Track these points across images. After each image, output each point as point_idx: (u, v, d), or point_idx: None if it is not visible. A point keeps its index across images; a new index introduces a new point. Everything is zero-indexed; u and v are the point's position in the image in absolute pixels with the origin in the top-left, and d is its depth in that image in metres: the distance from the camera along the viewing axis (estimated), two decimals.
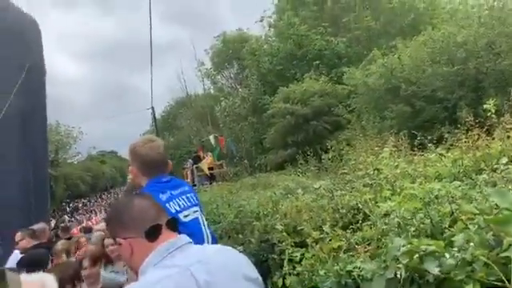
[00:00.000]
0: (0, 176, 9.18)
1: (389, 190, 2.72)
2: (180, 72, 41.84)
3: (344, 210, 2.22)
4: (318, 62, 18.30)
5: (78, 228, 18.03)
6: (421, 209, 1.67)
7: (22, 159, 9.27)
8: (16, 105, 8.84)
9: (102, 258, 2.92)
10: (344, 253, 1.67)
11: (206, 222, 2.13)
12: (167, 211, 1.93)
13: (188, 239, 1.32)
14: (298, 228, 2.17)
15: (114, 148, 68.53)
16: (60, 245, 3.86)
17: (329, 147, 8.32)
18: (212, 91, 33.19)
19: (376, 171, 4.08)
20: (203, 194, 10.32)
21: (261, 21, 26.29)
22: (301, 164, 7.46)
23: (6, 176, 9.10)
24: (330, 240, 1.79)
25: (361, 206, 2.13)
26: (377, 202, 2.14)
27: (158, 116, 31.51)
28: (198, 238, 1.96)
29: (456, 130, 5.50)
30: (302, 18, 20.81)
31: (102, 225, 7.22)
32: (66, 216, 34.86)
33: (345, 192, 3.59)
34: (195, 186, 16.88)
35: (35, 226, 5.17)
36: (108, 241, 2.96)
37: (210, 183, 16.33)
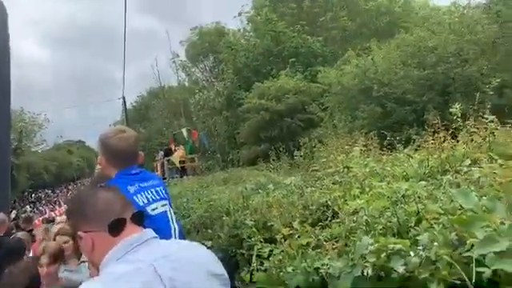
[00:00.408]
0: None
1: (358, 188, 2.77)
2: (154, 63, 41.04)
3: (314, 207, 2.23)
4: (293, 59, 18.39)
5: (41, 219, 17.39)
6: (388, 208, 1.70)
7: None
8: None
9: (62, 256, 2.78)
10: (312, 249, 1.68)
11: (174, 216, 2.09)
12: (135, 204, 1.88)
13: (153, 234, 1.27)
14: (268, 224, 2.16)
15: (82, 138, 66.45)
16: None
17: (301, 144, 8.40)
18: (186, 84, 32.75)
19: (346, 169, 4.16)
20: (173, 188, 10.19)
21: (239, 15, 26.16)
22: (273, 160, 7.49)
23: None
24: (299, 237, 1.79)
25: (330, 204, 2.14)
26: (346, 200, 2.17)
27: (129, 106, 30.86)
28: (165, 232, 1.91)
29: (423, 132, 5.66)
30: (280, 15, 20.85)
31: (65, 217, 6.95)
32: (27, 206, 33.55)
33: (315, 189, 3.63)
34: (165, 179, 16.64)
35: None
36: (61, 238, 2.85)
37: (181, 176, 16.16)
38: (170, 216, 2.07)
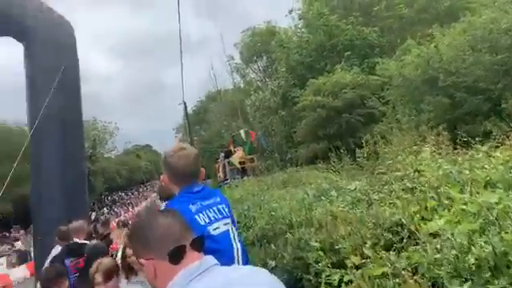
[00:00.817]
0: (41, 173, 9.53)
1: (433, 197, 2.52)
2: (210, 67, 42.18)
3: (385, 225, 2.04)
4: (349, 52, 17.75)
5: (116, 221, 18.70)
6: (478, 232, 1.47)
7: (61, 156, 9.58)
8: (54, 104, 9.13)
9: (117, 271, 2.82)
10: (388, 279, 1.51)
11: (236, 235, 2.03)
12: (196, 224, 1.85)
13: (214, 261, 1.23)
14: (336, 246, 2.02)
15: (148, 142, 70.42)
16: None
17: (363, 141, 8.01)
18: (242, 85, 33.17)
19: (416, 173, 3.84)
20: (235, 190, 10.32)
21: (290, 13, 25.86)
22: (333, 161, 7.24)
23: (47, 173, 9.44)
24: (372, 264, 1.63)
25: (405, 222, 1.94)
26: (423, 218, 1.95)
27: (190, 111, 31.96)
28: (227, 253, 1.87)
29: (502, 124, 5.09)
30: (331, 8, 20.25)
31: None
32: (105, 209, 36.35)
33: (383, 195, 3.39)
34: (227, 179, 17.01)
35: (72, 225, 5.31)
36: (130, 251, 2.87)
37: (242, 177, 16.38)
38: (232, 235, 2.01)
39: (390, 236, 1.89)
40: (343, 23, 18.69)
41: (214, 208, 2.03)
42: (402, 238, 1.85)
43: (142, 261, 1.23)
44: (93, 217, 24.13)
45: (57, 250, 5.01)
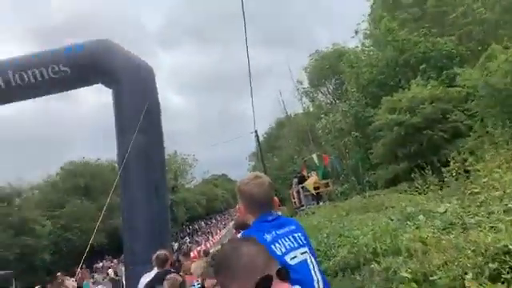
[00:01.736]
0: (129, 206, 10.26)
1: None
2: (279, 94, 42.92)
3: (488, 253, 1.77)
4: (423, 65, 16.77)
5: (197, 251, 19.36)
6: None
7: (147, 188, 10.23)
8: (139, 141, 9.86)
9: None
10: None
11: (316, 265, 1.92)
12: (272, 253, 1.80)
13: None
14: (431, 278, 1.80)
15: (224, 171, 72.94)
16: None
17: (448, 159, 7.33)
18: (311, 109, 33.10)
19: None
20: (311, 217, 10.09)
21: (356, 33, 25.53)
22: (417, 182, 6.67)
23: (134, 205, 10.13)
24: None
25: None
26: None
27: (261, 138, 32.59)
28: (307, 284, 1.77)
29: None
30: (400, 22, 19.51)
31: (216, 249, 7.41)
32: (187, 237, 37.96)
33: (480, 218, 3.01)
34: (303, 206, 16.74)
35: (155, 255, 5.59)
36: (209, 282, 2.89)
37: (317, 203, 15.99)
38: (311, 265, 1.92)
39: (497, 265, 1.63)
40: (415, 36, 17.82)
41: (290, 237, 1.97)
42: (511, 268, 1.58)
43: None
44: (175, 247, 25.31)
45: (145, 278, 5.31)
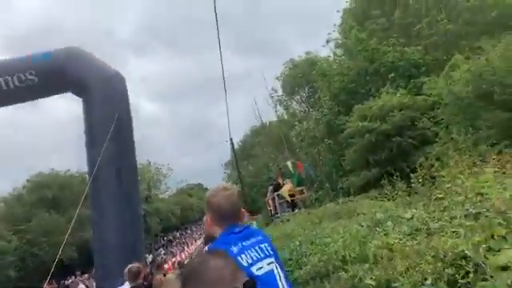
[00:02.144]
0: (100, 217, 9.98)
1: (500, 224, 2.27)
2: (254, 102, 43.10)
3: (448, 258, 1.85)
4: (392, 74, 17.33)
5: (172, 262, 18.99)
6: None
7: (118, 199, 10.02)
8: (110, 151, 9.66)
9: None
10: None
11: (282, 275, 1.95)
12: (239, 265, 1.81)
13: None
14: (393, 284, 1.86)
15: (200, 180, 72.22)
16: None
17: (417, 166, 7.58)
18: (285, 117, 33.44)
19: (478, 196, 3.53)
20: (286, 224, 10.13)
21: (327, 43, 26.12)
22: (386, 189, 6.87)
23: (105, 217, 9.86)
24: None
25: (469, 254, 1.75)
26: (490, 248, 1.75)
27: (236, 146, 32.56)
28: None
29: None
30: (369, 32, 20.13)
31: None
32: (161, 249, 37.14)
33: (443, 223, 3.13)
34: (278, 213, 16.78)
35: (127, 268, 5.45)
36: None
37: (293, 210, 16.08)
38: (277, 275, 1.95)
39: (454, 271, 1.70)
40: (383, 46, 18.43)
41: (256, 247, 1.99)
42: (468, 273, 1.65)
43: None
44: (149, 259, 24.71)
45: None
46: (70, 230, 9.19)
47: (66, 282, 21.51)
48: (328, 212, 8.84)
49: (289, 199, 16.86)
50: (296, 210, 15.58)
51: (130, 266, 5.31)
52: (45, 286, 13.71)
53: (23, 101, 11.72)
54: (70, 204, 25.20)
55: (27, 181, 29.79)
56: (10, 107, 11.72)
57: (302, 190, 17.72)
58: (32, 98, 11.58)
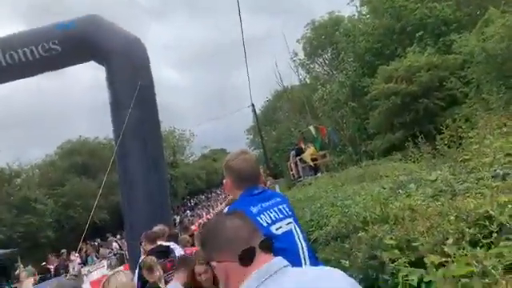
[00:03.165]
0: (127, 182, 10.35)
1: None
2: (275, 65, 42.36)
3: (471, 218, 1.82)
4: (420, 32, 16.51)
5: (198, 223, 19.70)
6: None
7: (144, 164, 10.28)
8: (134, 119, 9.82)
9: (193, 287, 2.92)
10: (474, 279, 1.33)
11: (301, 234, 2.00)
12: (258, 225, 1.87)
13: (284, 262, 1.23)
14: (413, 244, 1.86)
15: (222, 146, 73.14)
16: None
17: (444, 127, 7.35)
18: (308, 81, 32.80)
19: (508, 157, 3.41)
20: (308, 188, 10.21)
21: (352, 0, 24.90)
22: (411, 151, 6.73)
23: (132, 182, 10.20)
24: (455, 263, 1.46)
25: (494, 214, 1.71)
26: None
27: (258, 111, 32.46)
28: (292, 252, 1.86)
29: None
30: None
31: None
32: (188, 211, 38.55)
33: (469, 185, 3.06)
34: (300, 177, 16.92)
35: (154, 229, 5.70)
36: (199, 268, 2.93)
37: (315, 174, 16.16)
38: (296, 234, 2.00)
39: (477, 230, 1.68)
40: (411, 2, 17.45)
41: (275, 208, 2.05)
42: (491, 233, 1.63)
43: (213, 263, 1.27)
44: (177, 220, 25.76)
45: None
46: (99, 194, 9.61)
47: (100, 241, 22.86)
48: (350, 175, 8.82)
49: (311, 163, 16.90)
50: (318, 174, 15.64)
51: (149, 231, 5.54)
52: (80, 245, 14.61)
53: (47, 70, 11.95)
54: (99, 169, 26.26)
55: (58, 148, 31.10)
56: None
57: (324, 155, 17.69)
58: (56, 67, 11.78)
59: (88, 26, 10.48)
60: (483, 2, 15.27)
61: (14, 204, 22.03)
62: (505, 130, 4.35)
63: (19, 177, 25.62)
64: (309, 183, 12.11)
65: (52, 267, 14.04)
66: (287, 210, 2.04)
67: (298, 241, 1.92)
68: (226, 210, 2.36)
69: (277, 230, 1.90)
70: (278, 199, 2.08)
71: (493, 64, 9.71)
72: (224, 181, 2.19)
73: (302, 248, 1.90)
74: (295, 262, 1.82)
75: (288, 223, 1.96)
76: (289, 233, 1.93)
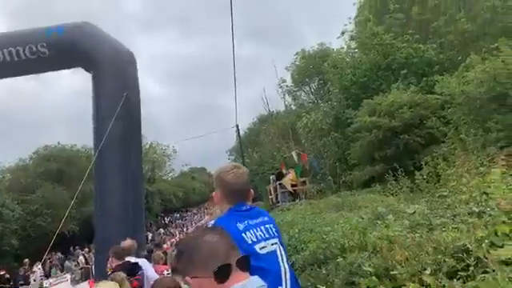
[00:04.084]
0: (103, 194, 10.08)
1: (504, 222, 2.24)
2: (263, 90, 42.92)
3: (448, 251, 1.83)
4: (405, 71, 17.13)
5: (170, 242, 19.24)
6: None
7: (122, 177, 10.07)
8: (116, 129, 9.68)
9: None
10: None
11: (285, 256, 1.97)
12: (242, 242, 1.83)
13: (260, 282, 1.20)
14: (391, 272, 1.85)
15: (202, 164, 72.53)
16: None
17: (423, 163, 7.53)
18: (293, 107, 33.28)
19: (484, 196, 3.50)
20: (286, 213, 10.18)
21: (342, 34, 25.78)
22: (390, 184, 6.83)
23: (108, 194, 9.95)
24: None
25: (471, 248, 1.73)
26: (492, 244, 1.73)
27: (242, 133, 32.58)
28: (273, 273, 1.82)
29: None
30: (386, 27, 19.85)
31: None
32: (161, 229, 37.61)
33: (445, 220, 3.11)
34: (278, 202, 16.86)
35: (123, 244, 5.50)
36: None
37: (293, 200, 16.14)
38: (280, 256, 1.96)
39: (454, 263, 1.69)
40: (398, 41, 18.17)
41: (262, 227, 2.01)
42: (468, 266, 1.64)
43: (187, 279, 1.23)
44: (150, 237, 25.07)
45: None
46: (72, 204, 9.31)
47: (66, 254, 21.95)
48: (329, 204, 8.86)
49: (291, 189, 16.91)
50: (297, 201, 15.63)
51: (117, 245, 5.34)
52: (44, 256, 13.97)
53: (33, 72, 11.77)
54: (74, 178, 25.48)
55: (34, 153, 30.15)
56: (20, 78, 11.78)
57: (304, 181, 17.76)
58: (42, 70, 11.61)
59: (79, 32, 10.44)
60: (465, 48, 16.05)
61: None
62: (481, 169, 4.47)
63: None
64: (287, 208, 12.10)
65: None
66: (274, 230, 2.01)
67: (281, 263, 1.89)
68: (211, 223, 2.32)
69: (261, 249, 1.87)
70: (266, 218, 2.06)
71: (471, 107, 10.12)
72: (213, 193, 2.16)
73: (285, 271, 1.86)
74: (276, 284, 1.78)
75: (273, 243, 1.94)
76: (273, 253, 1.90)
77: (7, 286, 15.07)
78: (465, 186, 3.95)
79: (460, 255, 1.72)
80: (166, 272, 5.43)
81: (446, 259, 1.73)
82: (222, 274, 1.17)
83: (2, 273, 16.23)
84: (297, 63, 31.29)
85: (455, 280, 1.58)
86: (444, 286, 1.49)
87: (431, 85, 14.98)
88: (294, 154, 18.91)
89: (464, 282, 1.53)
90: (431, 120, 12.96)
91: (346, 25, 25.68)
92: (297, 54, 31.25)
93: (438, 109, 13.11)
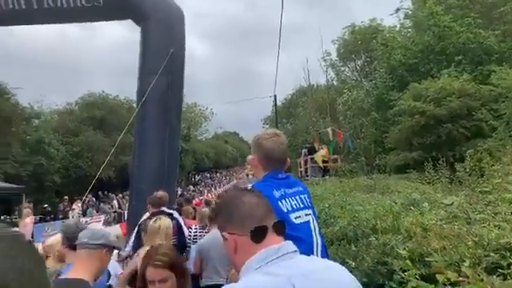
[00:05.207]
0: (141, 146, 10.47)
1: None
2: (305, 61, 42.02)
3: (490, 247, 1.79)
4: (460, 57, 16.09)
5: (199, 199, 19.96)
6: None
7: (160, 132, 10.36)
8: (159, 84, 9.86)
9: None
10: None
11: (317, 228, 1.99)
12: (278, 210, 1.86)
13: (293, 247, 1.23)
14: (426, 258, 1.84)
15: (236, 130, 73.29)
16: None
17: (464, 156, 7.22)
18: (335, 83, 32.42)
19: None
20: (316, 187, 10.17)
21: (396, 11, 24.37)
22: (428, 172, 6.61)
23: (146, 146, 10.32)
24: (470, 285, 1.44)
25: None
26: None
27: (279, 103, 32.32)
28: (306, 244, 1.84)
29: None
30: (446, 7, 18.52)
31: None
32: (191, 186, 38.96)
33: (485, 216, 3.01)
34: (308, 176, 16.88)
35: (158, 193, 5.72)
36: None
37: (323, 176, 16.10)
38: (313, 227, 1.99)
39: (498, 258, 1.65)
40: (458, 25, 16.97)
41: (297, 197, 2.03)
42: (509, 265, 1.60)
43: (224, 234, 1.27)
44: (179, 192, 26.09)
45: (146, 215, 5.50)
46: (113, 151, 9.76)
47: (102, 197, 23.34)
48: (360, 184, 8.75)
49: (321, 165, 16.83)
50: (326, 177, 15.58)
51: (155, 193, 5.56)
52: (84, 197, 14.93)
53: (85, 21, 12.05)
54: (115, 127, 26.58)
55: (80, 98, 31.55)
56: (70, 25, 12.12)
57: (336, 159, 17.61)
58: (95, 19, 11.86)
59: None
60: None
61: (28, 143, 22.54)
62: None
63: (38, 118, 26.14)
64: (316, 183, 12.08)
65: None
66: (308, 201, 2.02)
67: (313, 234, 1.91)
68: (249, 186, 2.36)
69: (296, 218, 1.89)
70: (301, 188, 2.06)
71: None
72: (250, 156, 2.15)
73: (317, 242, 1.89)
74: (307, 253, 1.82)
75: (307, 214, 1.95)
76: (306, 224, 1.92)
77: (48, 217, 16.36)
78: (510, 184, 3.78)
79: (502, 252, 1.68)
80: (193, 226, 5.65)
81: (490, 254, 1.69)
82: (259, 234, 1.20)
83: (45, 205, 17.62)
84: (345, 37, 30.12)
85: (495, 276, 1.55)
86: (483, 279, 1.47)
87: (486, 74, 14.07)
88: (329, 130, 18.65)
89: (504, 280, 1.50)
90: (481, 112, 12.26)
91: (401, 1, 24.20)
92: (346, 27, 30.04)
93: (491, 101, 12.35)
